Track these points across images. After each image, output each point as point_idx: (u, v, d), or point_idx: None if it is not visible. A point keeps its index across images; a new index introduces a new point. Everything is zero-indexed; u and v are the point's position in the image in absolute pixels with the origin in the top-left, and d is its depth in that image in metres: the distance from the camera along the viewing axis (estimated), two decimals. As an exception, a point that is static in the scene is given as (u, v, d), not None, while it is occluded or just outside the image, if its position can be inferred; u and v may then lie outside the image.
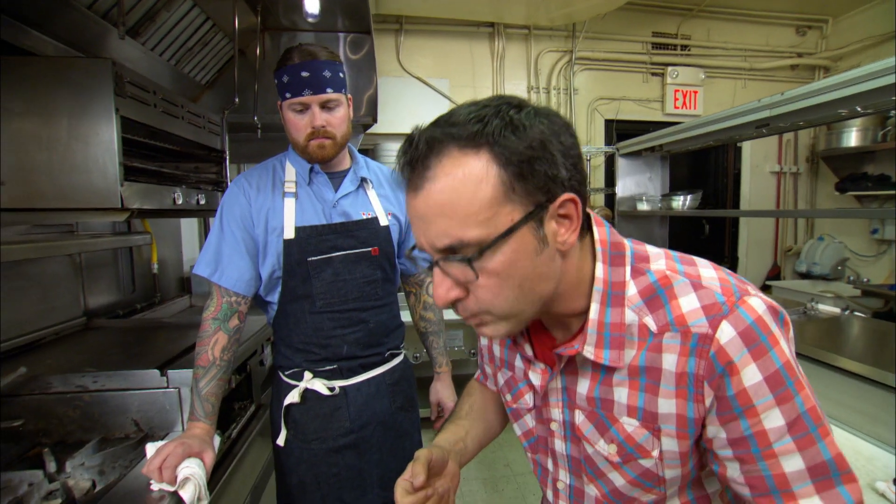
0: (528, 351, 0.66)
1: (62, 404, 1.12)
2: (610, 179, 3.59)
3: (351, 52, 2.44)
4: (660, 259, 0.59)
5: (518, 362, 0.70)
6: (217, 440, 1.06)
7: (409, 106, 3.32)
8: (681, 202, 2.86)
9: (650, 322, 0.55)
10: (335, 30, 2.39)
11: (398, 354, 1.29)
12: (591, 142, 3.57)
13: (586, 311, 0.57)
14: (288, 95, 1.06)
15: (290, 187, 1.13)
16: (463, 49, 3.41)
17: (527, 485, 2.47)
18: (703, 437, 0.56)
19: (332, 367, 1.16)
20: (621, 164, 3.18)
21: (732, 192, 4.02)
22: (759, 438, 0.51)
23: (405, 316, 1.33)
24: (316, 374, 1.16)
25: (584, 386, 0.60)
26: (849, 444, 1.31)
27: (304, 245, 1.10)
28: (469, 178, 0.48)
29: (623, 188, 3.21)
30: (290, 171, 1.15)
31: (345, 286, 1.14)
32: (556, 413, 0.65)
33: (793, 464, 0.51)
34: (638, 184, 3.17)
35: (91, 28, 1.41)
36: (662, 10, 3.52)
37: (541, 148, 0.49)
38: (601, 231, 0.59)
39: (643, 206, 3.09)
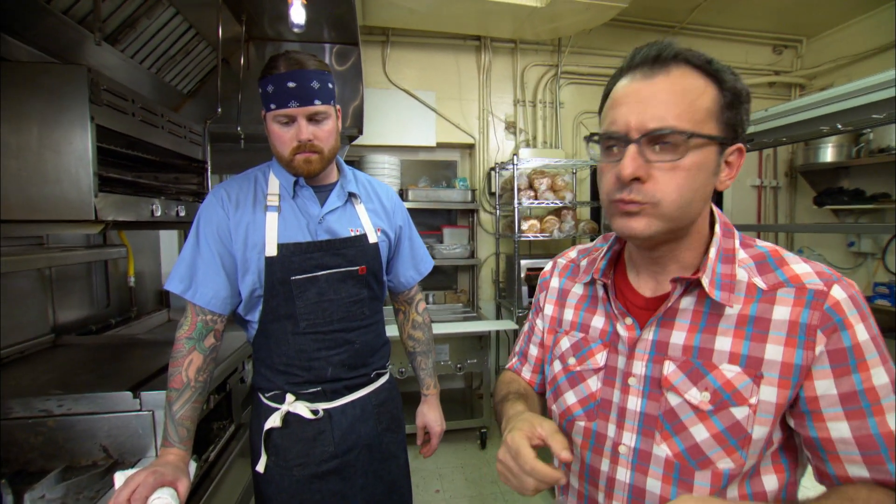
0: (619, 306, 0.70)
1: (23, 430, 1.04)
2: (596, 193, 3.61)
3: (337, 63, 2.42)
4: (766, 244, 0.68)
5: (596, 322, 0.73)
6: (193, 467, 1.00)
7: (395, 118, 3.30)
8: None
9: (759, 282, 0.62)
10: (321, 41, 2.37)
11: (384, 374, 1.24)
12: (577, 155, 3.59)
13: (688, 266, 0.66)
14: (273, 107, 1.00)
15: (272, 200, 1.07)
16: (449, 62, 3.42)
17: (515, 502, 2.42)
18: (807, 396, 0.59)
19: (315, 390, 1.10)
20: (607, 177, 3.18)
21: (717, 205, 4.09)
22: (869, 394, 0.57)
23: (390, 331, 1.29)
24: (298, 397, 1.10)
25: (679, 336, 0.64)
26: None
27: (287, 263, 1.05)
28: (698, 85, 0.60)
29: (609, 201, 3.21)
30: (274, 184, 1.10)
31: (330, 306, 1.09)
32: (639, 367, 0.66)
33: None
34: (623, 197, 3.18)
35: (68, 34, 1.36)
36: (646, 27, 3.59)
37: (745, 96, 0.61)
38: (716, 211, 0.70)
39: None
